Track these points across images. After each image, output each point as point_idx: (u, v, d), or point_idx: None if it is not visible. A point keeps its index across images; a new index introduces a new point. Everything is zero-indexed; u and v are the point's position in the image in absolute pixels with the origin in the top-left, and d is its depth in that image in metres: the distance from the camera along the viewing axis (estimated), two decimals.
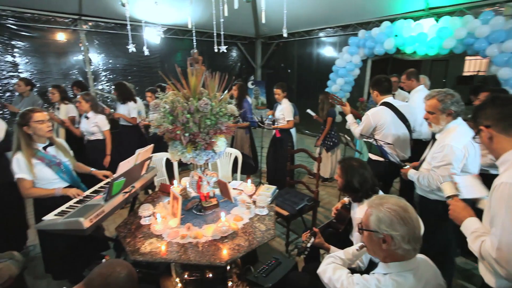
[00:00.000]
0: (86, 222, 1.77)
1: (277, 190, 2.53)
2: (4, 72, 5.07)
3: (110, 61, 6.23)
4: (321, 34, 7.12)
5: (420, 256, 1.21)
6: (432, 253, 1.33)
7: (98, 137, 3.39)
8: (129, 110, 3.98)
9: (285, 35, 2.08)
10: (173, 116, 1.77)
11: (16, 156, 2.03)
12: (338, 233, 2.14)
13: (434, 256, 1.30)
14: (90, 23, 5.81)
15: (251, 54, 8.79)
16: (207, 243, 1.81)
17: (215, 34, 2.34)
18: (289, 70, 8.36)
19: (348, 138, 3.53)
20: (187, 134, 1.74)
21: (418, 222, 1.12)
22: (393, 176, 2.82)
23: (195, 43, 2.39)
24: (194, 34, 2.30)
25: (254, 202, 2.24)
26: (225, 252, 1.73)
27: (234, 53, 8.61)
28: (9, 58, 5.09)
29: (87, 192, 2.22)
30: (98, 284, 1.17)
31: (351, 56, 5.86)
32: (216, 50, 2.44)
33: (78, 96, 3.31)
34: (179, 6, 5.55)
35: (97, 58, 6.08)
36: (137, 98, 4.33)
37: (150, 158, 2.41)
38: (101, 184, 2.38)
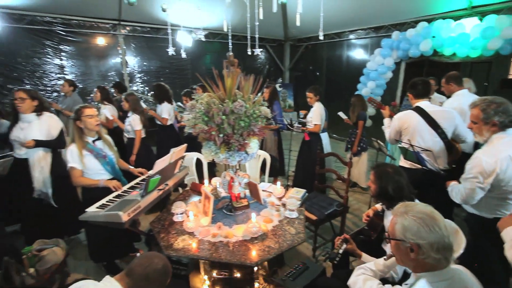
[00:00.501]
0: (124, 216, 1.87)
1: (307, 193, 2.50)
2: (53, 74, 5.52)
3: (145, 63, 6.55)
4: (351, 36, 6.96)
5: (457, 267, 1.14)
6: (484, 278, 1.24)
7: (132, 135, 3.57)
8: (161, 111, 4.16)
9: (321, 37, 2.07)
10: (208, 117, 1.82)
11: (70, 147, 2.28)
12: (370, 241, 2.07)
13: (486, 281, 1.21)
14: (128, 28, 6.15)
15: (279, 56, 8.80)
16: (238, 243, 1.84)
17: (249, 37, 2.38)
18: (317, 73, 8.26)
19: (381, 143, 3.41)
20: (221, 135, 1.78)
21: (448, 230, 1.06)
22: (429, 186, 2.68)
23: (230, 46, 2.44)
24: (230, 37, 2.34)
25: (284, 205, 2.24)
26: (255, 253, 1.74)
27: (262, 56, 8.66)
28: (57, 61, 5.54)
29: (125, 188, 2.36)
30: (138, 273, 1.24)
31: (383, 59, 5.67)
32: (249, 53, 2.48)
33: (123, 97, 3.54)
34: (210, 10, 5.71)
35: (133, 61, 6.42)
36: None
37: (183, 157, 2.50)
38: (137, 180, 2.50)
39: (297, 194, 2.41)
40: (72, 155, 2.28)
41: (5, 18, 4.89)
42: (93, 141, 2.38)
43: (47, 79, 5.51)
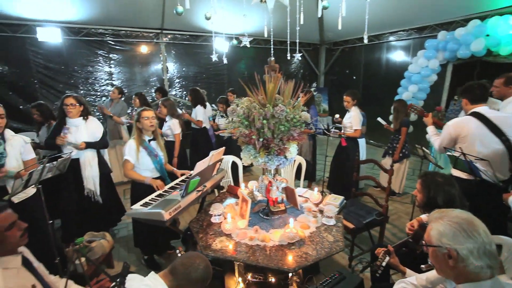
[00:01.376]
0: (166, 215, 1.96)
1: (345, 201, 2.43)
2: (102, 80, 6.01)
3: (184, 69, 6.86)
4: (391, 38, 6.66)
5: (507, 279, 1.02)
6: None
7: (171, 139, 3.75)
8: (196, 114, 4.33)
9: (365, 41, 2.01)
10: (248, 122, 1.85)
11: (129, 142, 2.54)
12: (415, 254, 1.94)
13: None
14: (169, 36, 6.51)
15: (314, 60, 8.70)
16: (275, 247, 1.83)
17: (288, 42, 2.39)
18: (354, 77, 8.01)
19: (426, 150, 3.20)
20: (261, 139, 1.80)
21: (489, 237, 0.97)
22: (483, 198, 2.45)
23: (272, 51, 2.47)
24: (272, 42, 2.37)
25: (321, 211, 2.19)
26: (292, 259, 1.72)
27: (297, 60, 8.63)
28: (106, 68, 6.03)
29: (166, 187, 2.48)
30: (180, 272, 1.28)
31: (427, 61, 5.33)
32: (288, 58, 2.49)
33: (159, 102, 3.74)
34: (247, 15, 5.83)
35: (172, 67, 6.76)
36: (207, 104, 4.70)
37: (220, 160, 2.56)
38: (177, 181, 2.62)
39: (334, 201, 2.34)
40: (130, 149, 2.51)
41: (66, 31, 5.44)
42: (149, 141, 2.62)
43: (97, 85, 6.02)
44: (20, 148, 2.25)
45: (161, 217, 1.94)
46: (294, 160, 3.41)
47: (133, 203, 2.28)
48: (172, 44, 6.63)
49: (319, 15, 2.07)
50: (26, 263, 1.46)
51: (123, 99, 4.91)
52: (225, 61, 2.64)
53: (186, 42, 6.69)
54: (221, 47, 6.50)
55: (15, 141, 2.23)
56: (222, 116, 4.58)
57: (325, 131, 3.67)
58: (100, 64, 6.00)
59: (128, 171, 2.52)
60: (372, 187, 4.64)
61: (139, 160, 2.53)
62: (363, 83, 7.75)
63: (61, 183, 2.84)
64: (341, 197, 2.41)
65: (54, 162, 2.11)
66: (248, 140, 1.86)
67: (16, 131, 2.64)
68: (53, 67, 5.62)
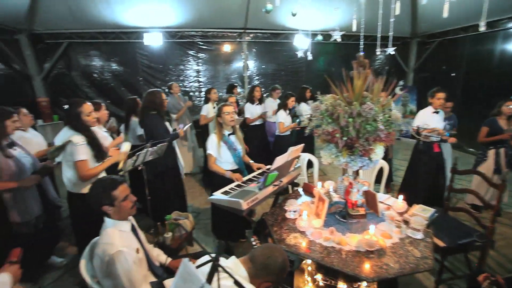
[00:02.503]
0: (244, 204, 2.07)
1: (436, 214, 2.13)
2: (191, 78, 6.72)
3: (263, 66, 7.10)
4: (510, 25, 5.47)
5: None
6: None
7: None
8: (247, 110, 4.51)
9: (482, 28, 1.71)
10: (332, 119, 1.79)
11: (211, 137, 2.74)
12: None
13: None
14: (251, 35, 6.80)
15: (403, 56, 7.83)
16: (351, 252, 1.74)
17: (379, 36, 2.20)
18: (452, 74, 6.91)
19: None
20: (344, 138, 1.73)
21: None
22: None
23: (361, 46, 2.33)
24: (362, 37, 2.23)
25: (406, 222, 1.98)
26: (370, 268, 1.61)
27: (382, 56, 7.93)
28: (195, 67, 6.71)
29: (244, 179, 2.61)
30: (259, 261, 1.34)
31: None
32: (378, 53, 2.30)
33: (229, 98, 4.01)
34: (327, 11, 5.64)
35: (252, 65, 7.06)
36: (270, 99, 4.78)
37: (298, 156, 2.56)
38: (254, 174, 2.74)
39: (423, 212, 2.08)
40: (212, 144, 2.73)
41: (165, 35, 6.26)
42: (229, 135, 2.78)
43: (187, 82, 6.75)
44: (106, 139, 2.68)
45: (239, 206, 2.06)
46: None
47: (213, 191, 2.48)
48: (253, 43, 6.92)
49: (424, 2, 1.84)
50: (133, 230, 1.76)
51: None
52: (309, 57, 2.61)
53: (267, 40, 6.89)
54: (301, 44, 6.47)
55: (100, 134, 2.60)
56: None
57: (414, 134, 3.27)
58: (190, 63, 6.71)
59: (212, 164, 2.74)
60: (465, 203, 3.93)
61: (220, 154, 2.71)
62: (464, 81, 6.62)
63: (161, 167, 3.23)
64: (431, 209, 2.13)
65: (155, 147, 2.46)
66: (330, 138, 1.81)
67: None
68: (154, 67, 6.55)
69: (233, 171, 2.72)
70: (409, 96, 7.63)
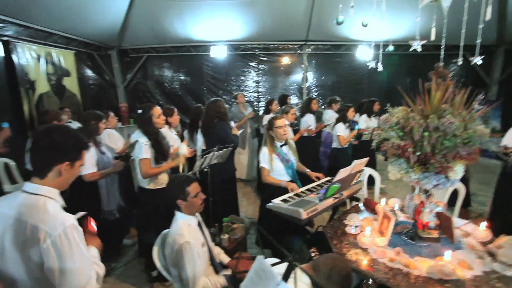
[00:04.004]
0: (304, 214, 2.06)
1: None
2: (251, 88, 7.01)
3: (322, 78, 7.03)
4: None
5: None
6: None
7: None
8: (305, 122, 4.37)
9: None
10: (403, 133, 1.70)
11: (263, 150, 2.73)
12: None
13: None
14: (312, 47, 6.82)
15: (485, 66, 6.92)
16: (421, 278, 1.59)
17: (461, 45, 2.01)
18: None
19: None
20: (418, 153, 1.62)
21: None
22: None
23: (442, 56, 2.16)
24: (443, 46, 2.07)
25: (491, 254, 1.73)
26: None
27: (456, 66, 7.14)
28: (255, 77, 6.98)
29: (302, 189, 2.60)
30: (322, 271, 1.33)
31: None
32: (460, 63, 2.10)
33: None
34: (398, 21, 5.35)
35: (312, 76, 7.05)
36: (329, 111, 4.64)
37: (361, 170, 2.46)
38: (314, 184, 2.70)
39: None
40: (264, 157, 2.71)
41: (229, 48, 6.68)
42: (281, 146, 2.74)
43: (246, 92, 7.05)
44: (173, 141, 2.88)
45: (299, 215, 2.06)
46: None
47: (267, 201, 2.49)
48: (314, 55, 6.93)
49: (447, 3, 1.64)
50: (199, 225, 1.90)
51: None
52: (380, 68, 2.51)
53: (328, 52, 6.83)
54: (365, 56, 6.25)
55: (168, 134, 2.84)
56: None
57: (501, 154, 2.85)
58: (250, 74, 7.01)
59: (265, 176, 2.69)
60: None
61: (273, 166, 2.66)
62: None
63: (223, 171, 3.41)
64: None
65: (221, 152, 2.63)
66: (400, 152, 1.71)
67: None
68: (217, 77, 7.02)
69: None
70: (491, 112, 6.69)
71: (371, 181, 3.40)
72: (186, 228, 1.76)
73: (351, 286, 1.35)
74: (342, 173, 2.08)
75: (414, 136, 1.61)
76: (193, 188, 1.77)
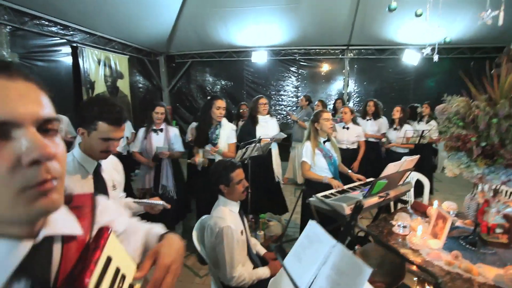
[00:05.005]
0: (347, 209, 1.96)
1: None
2: (290, 93, 7.00)
3: (364, 83, 6.78)
4: None
5: None
6: None
7: (353, 146, 3.76)
8: (380, 126, 4.10)
9: None
10: (464, 123, 1.55)
11: (306, 144, 2.69)
12: None
13: None
14: (354, 51, 6.65)
15: None
16: (487, 286, 1.41)
17: None
18: None
19: None
20: (483, 144, 1.46)
21: None
22: None
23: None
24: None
25: None
26: None
27: None
28: (294, 82, 6.97)
29: (345, 187, 2.49)
30: (372, 257, 1.23)
31: None
32: None
33: (344, 107, 3.88)
34: (450, 22, 5.00)
35: (353, 81, 6.84)
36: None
37: (411, 170, 2.29)
38: (357, 183, 2.58)
39: None
40: (306, 151, 2.68)
41: (270, 53, 6.78)
42: (324, 142, 2.70)
43: (285, 96, 7.06)
44: (229, 133, 2.88)
45: (342, 210, 1.97)
46: None
47: (305, 197, 2.43)
48: (356, 59, 6.74)
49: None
50: (240, 213, 1.90)
51: (310, 106, 5.45)
52: (435, 58, 2.35)
53: (371, 56, 6.59)
54: (411, 60, 5.93)
55: (227, 127, 2.88)
56: None
57: None
58: (290, 79, 7.02)
59: (306, 171, 2.65)
60: None
61: (315, 161, 2.62)
62: None
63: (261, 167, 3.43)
64: None
65: (262, 144, 2.65)
66: (460, 144, 1.56)
67: None
68: (257, 81, 7.15)
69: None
70: None
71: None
72: (228, 213, 1.77)
73: (403, 277, 1.23)
74: (391, 168, 1.95)
75: (479, 125, 1.46)
76: (237, 174, 1.79)
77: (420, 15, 2.22)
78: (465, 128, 1.56)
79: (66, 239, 0.52)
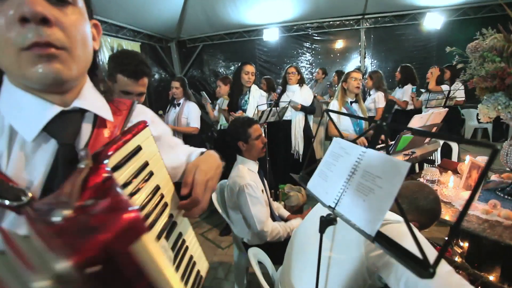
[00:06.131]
0: None
1: None
2: (304, 69, 6.80)
3: (382, 54, 6.46)
4: None
5: None
6: None
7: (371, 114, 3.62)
8: (403, 94, 3.89)
9: None
10: (502, 58, 1.41)
11: (333, 102, 2.76)
12: None
13: None
14: (370, 21, 6.31)
15: None
16: None
17: None
18: None
19: None
20: None
21: None
22: None
23: None
24: None
25: None
26: None
27: None
28: (308, 58, 6.74)
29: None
30: (406, 194, 1.13)
31: None
32: None
33: (366, 75, 3.72)
34: None
35: (370, 53, 6.53)
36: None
37: (438, 126, 2.14)
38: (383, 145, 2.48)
39: None
40: (332, 109, 2.66)
41: (282, 30, 6.57)
42: (351, 103, 2.71)
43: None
44: (258, 99, 2.92)
45: None
46: None
47: None
48: (372, 29, 6.40)
49: None
50: (259, 173, 1.86)
51: (325, 79, 5.27)
52: None
53: (389, 24, 6.22)
54: (433, 24, 5.55)
55: (256, 94, 2.93)
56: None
57: None
58: (304, 55, 6.80)
59: (332, 129, 2.71)
60: None
61: (340, 120, 2.62)
62: None
63: (275, 140, 3.38)
64: None
65: (278, 108, 2.59)
66: (497, 83, 1.42)
67: None
68: (269, 60, 6.99)
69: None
70: None
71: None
72: (246, 172, 1.74)
73: (438, 217, 1.14)
74: (417, 121, 1.83)
75: None
76: (255, 129, 1.74)
77: None
78: (502, 63, 1.41)
79: (98, 124, 0.54)
